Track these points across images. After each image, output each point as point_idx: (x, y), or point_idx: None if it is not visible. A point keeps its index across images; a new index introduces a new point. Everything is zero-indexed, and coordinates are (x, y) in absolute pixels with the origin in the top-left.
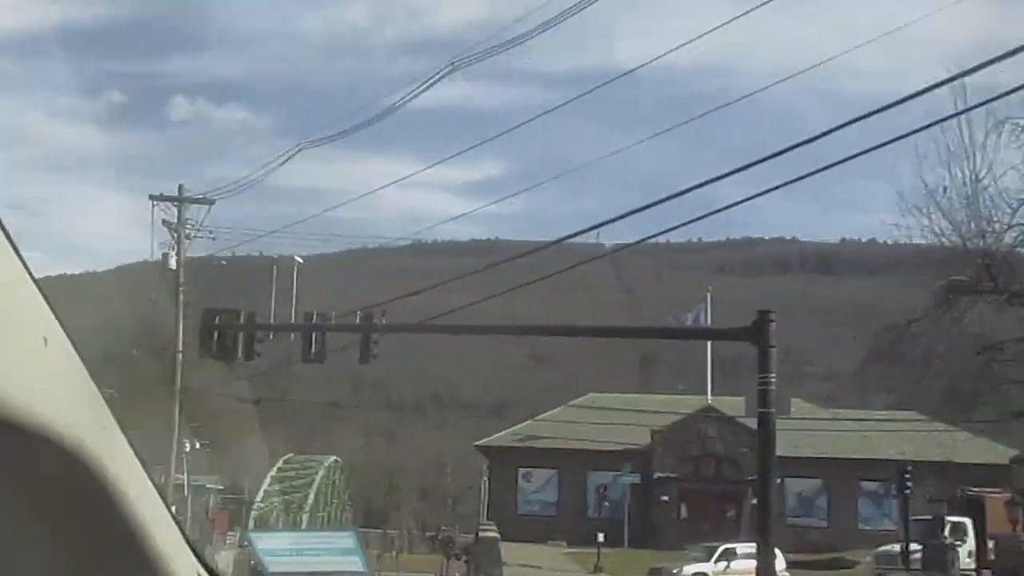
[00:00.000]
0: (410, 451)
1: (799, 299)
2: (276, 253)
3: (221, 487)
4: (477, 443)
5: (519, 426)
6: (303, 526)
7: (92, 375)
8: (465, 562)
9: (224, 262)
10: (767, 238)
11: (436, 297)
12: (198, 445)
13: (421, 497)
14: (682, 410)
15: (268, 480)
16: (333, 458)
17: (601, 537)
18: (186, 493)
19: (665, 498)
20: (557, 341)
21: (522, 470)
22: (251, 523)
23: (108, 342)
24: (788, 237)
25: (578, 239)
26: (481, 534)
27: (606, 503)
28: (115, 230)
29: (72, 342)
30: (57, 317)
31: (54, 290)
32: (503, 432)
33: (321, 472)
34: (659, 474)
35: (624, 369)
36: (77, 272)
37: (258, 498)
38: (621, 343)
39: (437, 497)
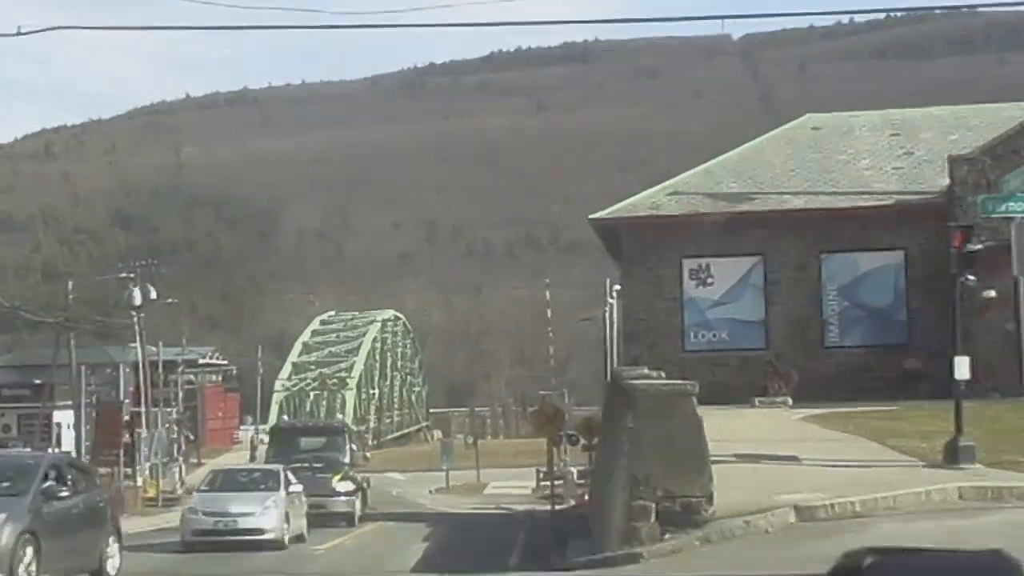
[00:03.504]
0: (501, 306)
1: (985, 83)
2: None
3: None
4: (594, 216)
5: (666, 184)
6: (343, 411)
7: None
8: None
9: None
10: (938, 11)
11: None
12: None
13: (517, 362)
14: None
15: (298, 347)
16: (391, 312)
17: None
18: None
19: None
20: (675, 164)
21: (689, 264)
22: (272, 410)
23: None
24: (966, 8)
25: (700, 31)
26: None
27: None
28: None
29: None
30: None
31: None
32: (635, 198)
33: (372, 332)
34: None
35: None
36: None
37: (282, 374)
38: None
39: (539, 360)
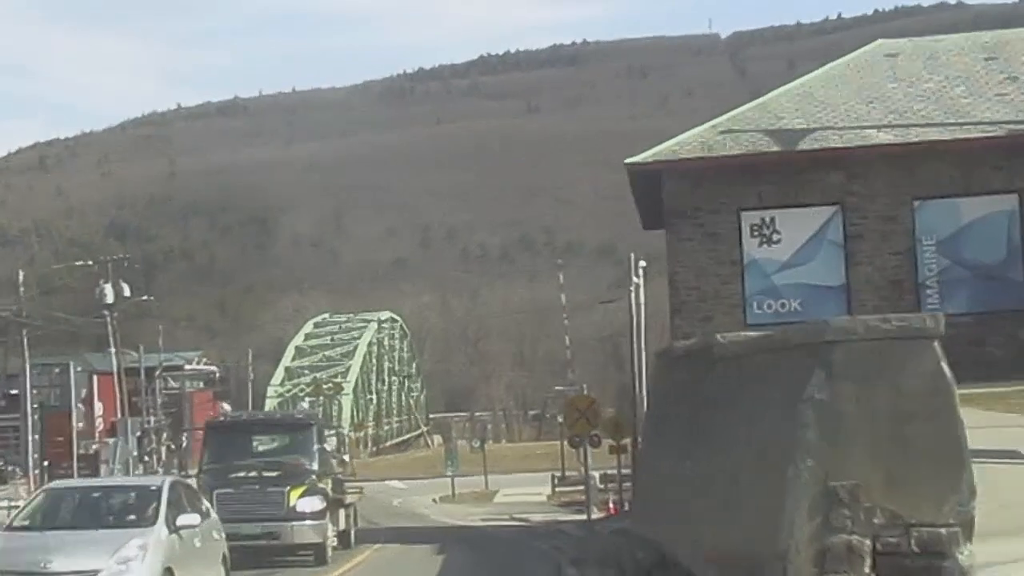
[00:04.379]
0: (498, 309)
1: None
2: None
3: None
4: (631, 161)
5: (716, 120)
6: (340, 418)
7: None
8: None
9: None
10: (926, 4)
11: (508, 119)
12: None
13: (517, 364)
14: None
15: (290, 351)
16: (387, 314)
17: None
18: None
19: None
20: None
21: (749, 217)
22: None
23: None
24: (953, 1)
25: (688, 30)
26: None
27: None
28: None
29: None
30: None
31: None
32: (679, 138)
33: (368, 334)
34: None
35: None
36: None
37: (275, 379)
38: None
39: (539, 362)
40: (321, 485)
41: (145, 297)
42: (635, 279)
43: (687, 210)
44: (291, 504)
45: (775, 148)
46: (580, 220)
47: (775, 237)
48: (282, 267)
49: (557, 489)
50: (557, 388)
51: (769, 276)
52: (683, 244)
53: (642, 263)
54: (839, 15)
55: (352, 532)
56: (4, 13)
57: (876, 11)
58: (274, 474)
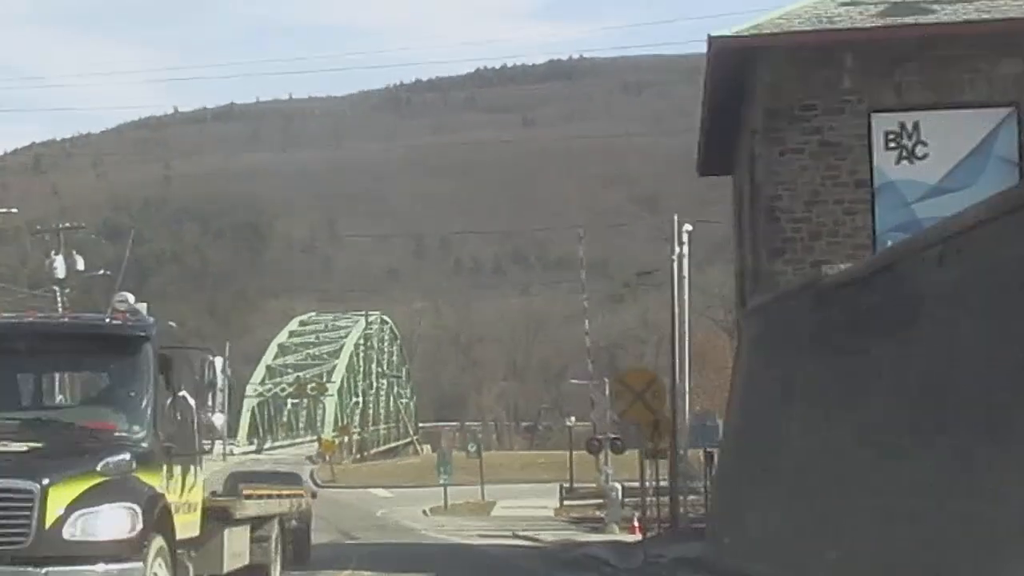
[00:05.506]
0: (490, 319)
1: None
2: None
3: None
4: (718, 34)
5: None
6: (323, 421)
7: None
8: None
9: None
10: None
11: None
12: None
13: (510, 374)
14: None
15: (272, 349)
16: (376, 314)
17: None
18: None
19: None
20: (661, 180)
21: (884, 122)
22: (242, 419)
23: None
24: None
25: (684, 49)
26: None
27: None
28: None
29: None
30: None
31: None
32: (784, 10)
33: (355, 333)
34: None
35: None
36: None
37: (254, 378)
38: None
39: (532, 372)
40: (143, 480)
41: (102, 272)
42: (677, 247)
43: (794, 108)
44: (48, 522)
45: (923, 20)
46: (573, 235)
47: (919, 150)
48: (274, 273)
49: (565, 502)
50: (573, 381)
51: (909, 205)
52: (787, 159)
53: (687, 226)
54: None
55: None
56: (3, 16)
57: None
58: (22, 449)
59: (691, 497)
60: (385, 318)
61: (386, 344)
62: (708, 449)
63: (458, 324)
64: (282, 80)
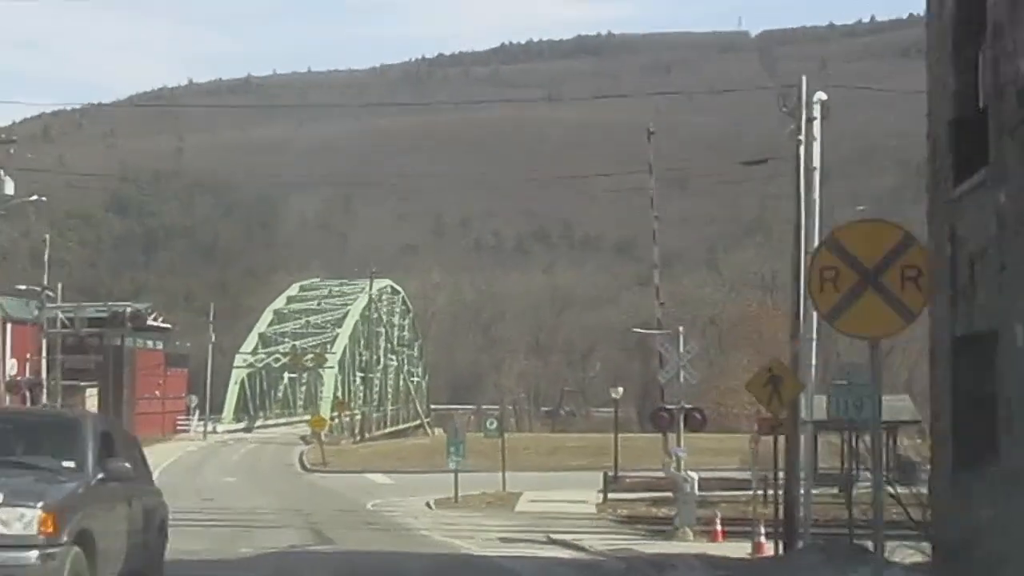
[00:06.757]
0: (512, 294)
1: None
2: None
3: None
4: None
5: None
6: (322, 400)
7: None
8: None
9: None
10: None
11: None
12: None
13: (532, 353)
14: None
15: (267, 316)
16: (387, 282)
17: None
18: None
19: None
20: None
21: None
22: (230, 391)
23: None
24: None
25: (717, 26)
26: None
27: None
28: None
29: None
30: None
31: None
32: None
33: (362, 301)
34: None
35: None
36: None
37: (245, 346)
38: None
39: (556, 351)
40: None
41: (33, 197)
42: (811, 116)
43: None
44: None
45: None
46: (598, 214)
47: None
48: (287, 249)
49: (610, 496)
50: (636, 330)
51: None
52: None
53: (821, 94)
54: (872, 18)
55: None
56: None
57: (911, 15)
58: None
59: (816, 491)
60: (396, 287)
61: (396, 316)
62: (850, 425)
63: (478, 300)
64: (300, 55)
